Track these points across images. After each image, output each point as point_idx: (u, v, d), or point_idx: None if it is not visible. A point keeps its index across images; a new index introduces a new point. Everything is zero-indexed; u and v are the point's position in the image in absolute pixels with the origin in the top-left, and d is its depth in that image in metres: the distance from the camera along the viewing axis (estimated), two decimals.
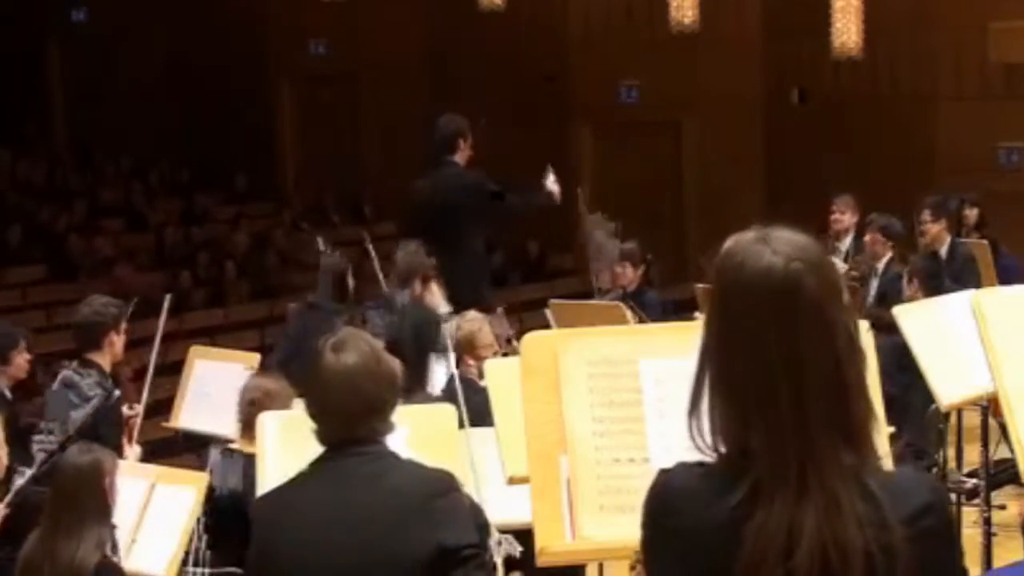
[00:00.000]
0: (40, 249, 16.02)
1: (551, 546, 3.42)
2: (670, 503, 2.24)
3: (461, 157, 8.90)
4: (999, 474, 6.58)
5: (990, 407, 5.68)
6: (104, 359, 6.65)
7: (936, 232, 9.43)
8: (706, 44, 13.71)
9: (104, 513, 5.01)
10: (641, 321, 8.72)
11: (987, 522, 5.85)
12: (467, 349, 6.64)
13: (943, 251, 9.44)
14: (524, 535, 5.13)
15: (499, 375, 4.80)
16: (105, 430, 6.50)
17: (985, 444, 6.09)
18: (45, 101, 20.49)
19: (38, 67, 20.43)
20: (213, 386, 6.92)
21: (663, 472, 2.29)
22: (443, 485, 3.61)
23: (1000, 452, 6.23)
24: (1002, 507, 7.18)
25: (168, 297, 7.23)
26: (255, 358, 7.32)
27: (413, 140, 16.66)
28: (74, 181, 18.40)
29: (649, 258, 9.67)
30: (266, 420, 4.51)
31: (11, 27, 19.30)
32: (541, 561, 3.51)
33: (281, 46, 18.31)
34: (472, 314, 6.94)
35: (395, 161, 15.22)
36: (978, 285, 8.44)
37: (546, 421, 3.46)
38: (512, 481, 4.35)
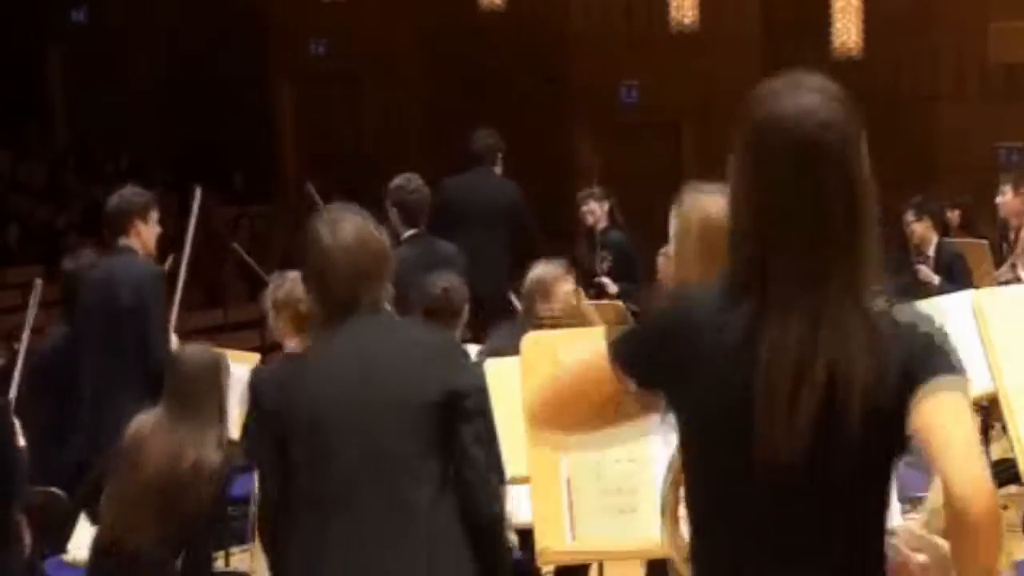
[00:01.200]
0: (39, 249, 16.01)
1: (551, 546, 3.42)
2: (688, 322, 2.32)
3: (499, 170, 9.41)
4: (999, 474, 6.57)
5: (989, 408, 5.67)
6: (135, 245, 6.81)
7: (922, 231, 9.50)
8: (706, 44, 13.70)
9: (222, 412, 4.99)
10: (606, 262, 9.56)
11: None
12: (542, 294, 6.41)
13: (931, 251, 9.48)
14: (524, 535, 5.13)
15: (499, 375, 4.80)
16: (155, 305, 6.65)
17: (985, 444, 6.09)
18: (45, 101, 20.48)
19: (38, 67, 20.42)
20: None
21: (677, 297, 2.44)
22: (451, 338, 3.89)
23: (1000, 452, 6.23)
24: (1003, 507, 7.17)
25: (199, 190, 7.39)
26: (255, 358, 7.31)
27: (413, 140, 16.66)
28: (74, 181, 18.40)
29: (612, 200, 10.34)
30: None
31: (11, 27, 19.29)
32: (541, 561, 3.51)
33: (281, 46, 18.30)
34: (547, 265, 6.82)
35: (395, 161, 15.21)
36: (968, 283, 8.45)
37: None
38: (512, 481, 4.35)
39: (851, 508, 2.28)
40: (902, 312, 2.30)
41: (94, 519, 5.05)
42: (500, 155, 9.39)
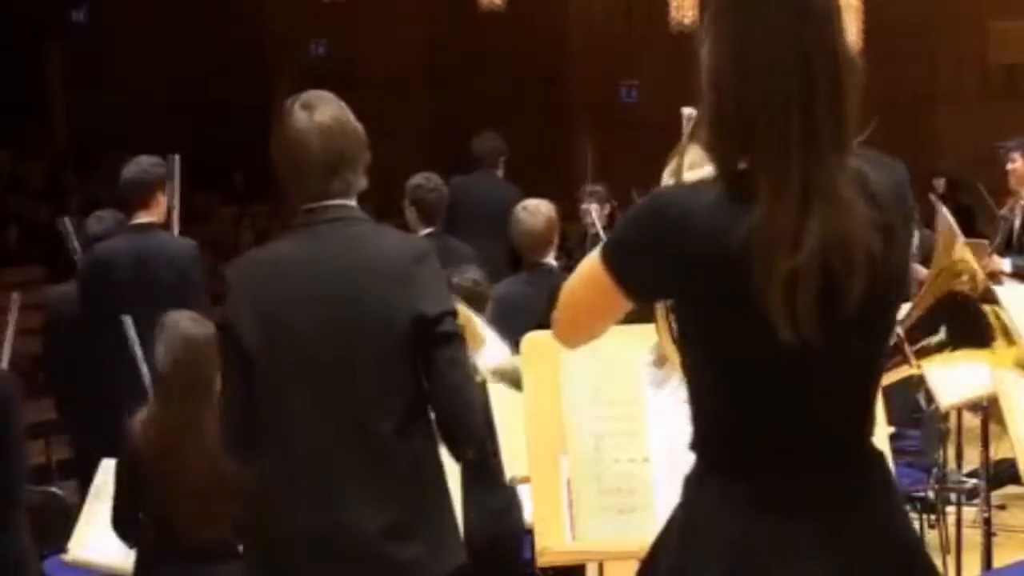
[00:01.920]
0: (39, 250, 16.00)
1: (551, 546, 3.41)
2: (683, 223, 2.30)
3: (500, 173, 9.41)
4: (999, 474, 6.57)
5: (990, 408, 5.67)
6: (155, 218, 6.65)
7: None
8: None
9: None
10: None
11: (987, 522, 5.83)
12: (556, 231, 6.78)
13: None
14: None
15: None
16: (198, 283, 6.54)
17: (985, 444, 6.08)
18: (45, 101, 20.47)
19: (38, 67, 20.41)
20: None
21: (664, 193, 2.41)
22: (422, 251, 3.58)
23: (1000, 452, 6.22)
24: (1002, 507, 7.16)
25: (176, 158, 7.29)
26: None
27: (413, 140, 16.65)
28: (74, 181, 18.39)
29: (615, 204, 9.97)
30: None
31: (11, 27, 19.29)
32: (541, 561, 3.51)
33: (281, 46, 18.30)
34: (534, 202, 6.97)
35: (395, 161, 15.19)
36: None
37: (546, 421, 3.46)
38: (512, 481, 4.35)
39: (864, 368, 2.38)
40: (877, 163, 2.36)
41: (130, 541, 4.94)
42: (503, 158, 9.36)
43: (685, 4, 12.74)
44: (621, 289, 2.38)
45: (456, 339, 3.47)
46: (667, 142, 5.10)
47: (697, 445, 2.42)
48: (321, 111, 3.56)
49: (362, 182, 3.60)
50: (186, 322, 4.85)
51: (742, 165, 2.30)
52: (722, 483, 2.36)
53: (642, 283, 2.39)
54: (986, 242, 9.73)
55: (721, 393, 2.37)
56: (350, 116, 3.61)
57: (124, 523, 4.87)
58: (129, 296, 6.39)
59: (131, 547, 4.90)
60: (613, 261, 2.38)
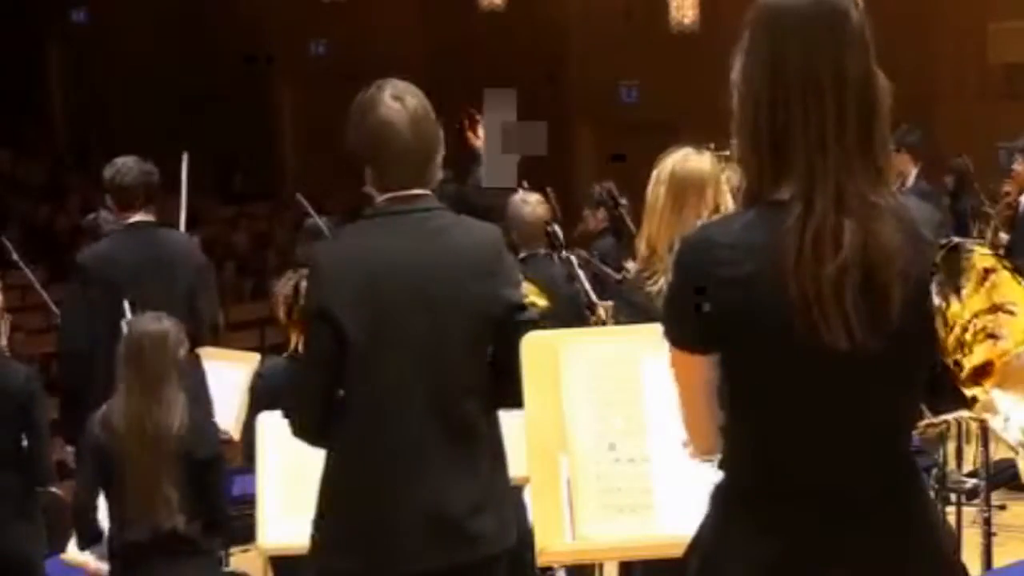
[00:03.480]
0: (40, 250, 16.00)
1: (551, 546, 3.41)
2: (710, 252, 2.32)
3: None
4: (999, 474, 6.57)
5: None
6: (153, 217, 6.64)
7: (900, 164, 8.97)
8: (706, 44, 13.71)
9: (181, 380, 4.90)
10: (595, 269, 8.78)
11: (987, 522, 5.84)
12: (547, 225, 6.96)
13: (910, 181, 9.21)
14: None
15: None
16: (210, 279, 6.67)
17: (985, 444, 6.08)
18: (45, 101, 20.48)
19: (38, 67, 20.42)
20: (214, 386, 6.88)
21: (685, 238, 2.42)
22: (500, 240, 3.70)
23: (1000, 452, 6.23)
24: (1002, 507, 7.16)
25: (186, 156, 7.24)
26: (255, 358, 7.29)
27: None
28: (74, 182, 18.41)
29: (623, 203, 9.73)
30: (266, 421, 4.50)
31: (11, 27, 19.30)
32: (541, 561, 3.51)
33: (281, 46, 18.30)
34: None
35: None
36: None
37: (546, 421, 3.46)
38: (512, 481, 4.35)
39: (909, 377, 2.39)
40: (917, 200, 2.44)
41: (81, 534, 5.00)
42: None
43: (685, 4, 12.75)
44: (685, 347, 2.38)
45: (533, 324, 3.59)
46: (666, 142, 5.09)
47: (735, 470, 2.42)
48: (409, 101, 3.65)
49: (440, 174, 3.65)
50: (144, 320, 4.96)
51: (783, 195, 2.31)
52: (766, 504, 2.38)
53: (694, 327, 2.36)
54: (981, 242, 9.70)
55: (764, 417, 2.37)
56: (431, 108, 3.68)
57: (83, 520, 4.95)
58: (145, 293, 6.25)
59: (82, 548, 4.98)
60: (668, 327, 2.40)
